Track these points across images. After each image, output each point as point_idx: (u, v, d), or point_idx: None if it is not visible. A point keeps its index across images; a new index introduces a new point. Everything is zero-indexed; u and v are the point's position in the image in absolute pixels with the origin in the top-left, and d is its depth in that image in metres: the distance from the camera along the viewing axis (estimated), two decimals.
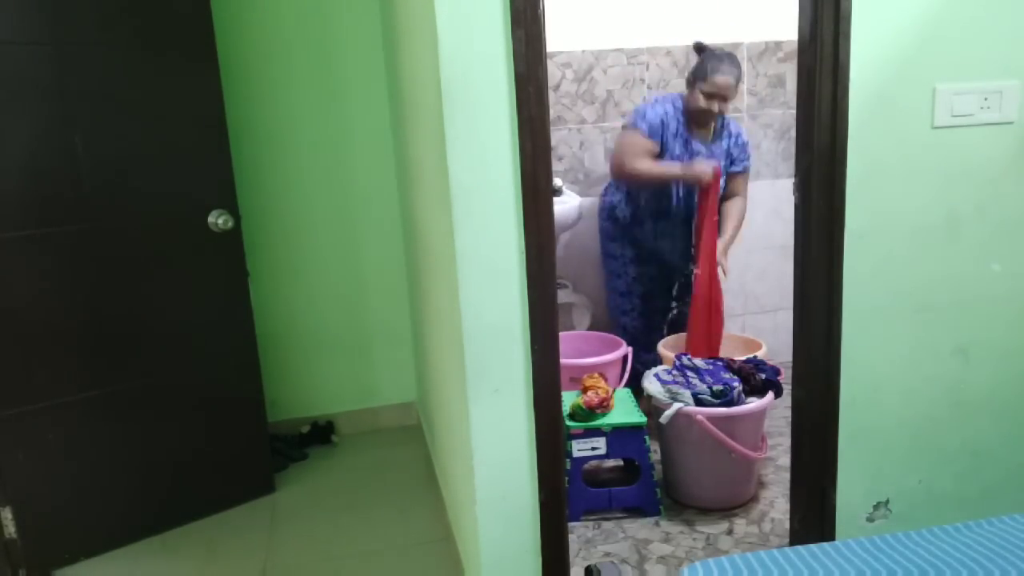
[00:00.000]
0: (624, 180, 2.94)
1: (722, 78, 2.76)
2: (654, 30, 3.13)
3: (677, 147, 2.88)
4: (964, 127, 1.70)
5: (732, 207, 2.99)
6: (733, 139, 2.96)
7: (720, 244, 2.90)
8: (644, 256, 3.04)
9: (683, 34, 3.16)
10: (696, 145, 2.90)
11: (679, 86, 3.20)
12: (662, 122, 2.85)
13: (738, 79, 2.80)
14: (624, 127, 2.94)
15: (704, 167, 2.78)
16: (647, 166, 2.84)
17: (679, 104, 2.89)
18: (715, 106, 2.80)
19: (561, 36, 3.03)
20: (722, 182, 2.86)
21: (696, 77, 2.82)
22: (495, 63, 1.50)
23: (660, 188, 2.93)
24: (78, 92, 2.17)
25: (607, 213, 3.06)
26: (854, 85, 1.63)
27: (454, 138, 1.52)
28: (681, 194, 2.94)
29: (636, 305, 3.09)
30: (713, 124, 2.91)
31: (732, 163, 2.97)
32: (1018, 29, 1.68)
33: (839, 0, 1.58)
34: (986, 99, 1.70)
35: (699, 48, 2.88)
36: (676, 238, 3.02)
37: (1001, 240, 1.78)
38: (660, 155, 2.86)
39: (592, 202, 3.15)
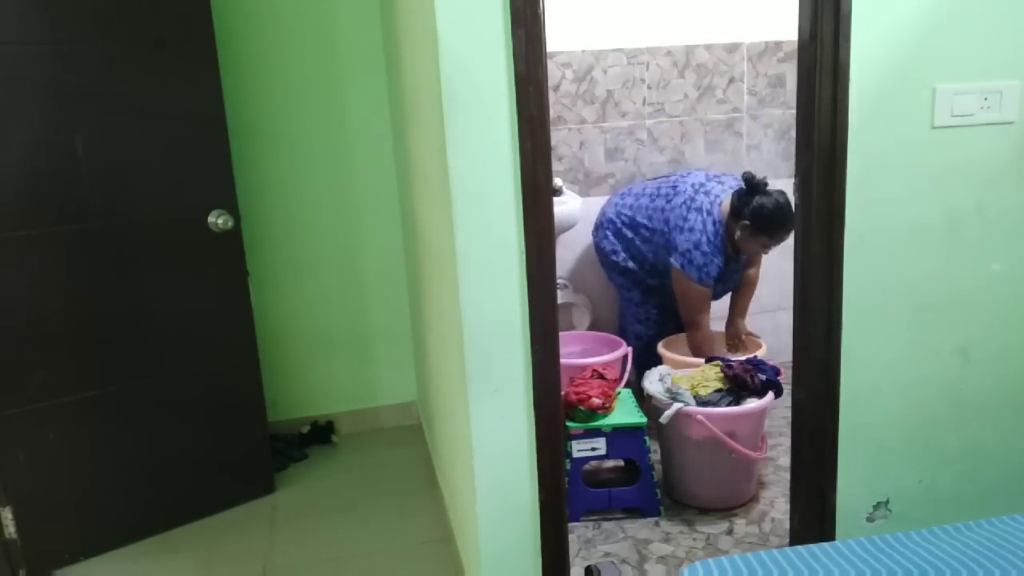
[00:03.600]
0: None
1: (783, 236, 2.65)
2: (654, 30, 3.13)
3: (720, 274, 2.82)
4: (964, 127, 1.70)
5: (745, 279, 2.98)
6: None
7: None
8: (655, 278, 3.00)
9: (683, 34, 3.16)
10: (731, 264, 2.86)
11: (679, 87, 3.20)
12: (719, 272, 2.78)
13: None
14: (680, 273, 2.79)
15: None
16: (704, 323, 2.88)
17: (718, 235, 2.73)
18: (767, 251, 2.78)
19: (561, 36, 3.03)
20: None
21: (758, 226, 2.65)
22: (495, 63, 1.50)
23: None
24: (78, 92, 2.17)
25: (605, 258, 3.03)
26: (854, 85, 1.63)
27: (454, 138, 1.52)
28: None
29: (652, 315, 3.05)
30: None
31: None
32: (1018, 29, 1.68)
33: (839, 0, 1.59)
34: (986, 99, 1.70)
35: (754, 184, 2.68)
36: None
37: (1001, 240, 1.78)
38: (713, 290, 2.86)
39: (593, 202, 3.14)
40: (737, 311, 3.02)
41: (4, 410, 2.17)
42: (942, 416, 1.86)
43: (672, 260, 2.80)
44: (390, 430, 3.17)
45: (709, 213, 2.73)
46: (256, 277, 2.76)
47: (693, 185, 2.82)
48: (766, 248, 2.75)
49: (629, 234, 2.92)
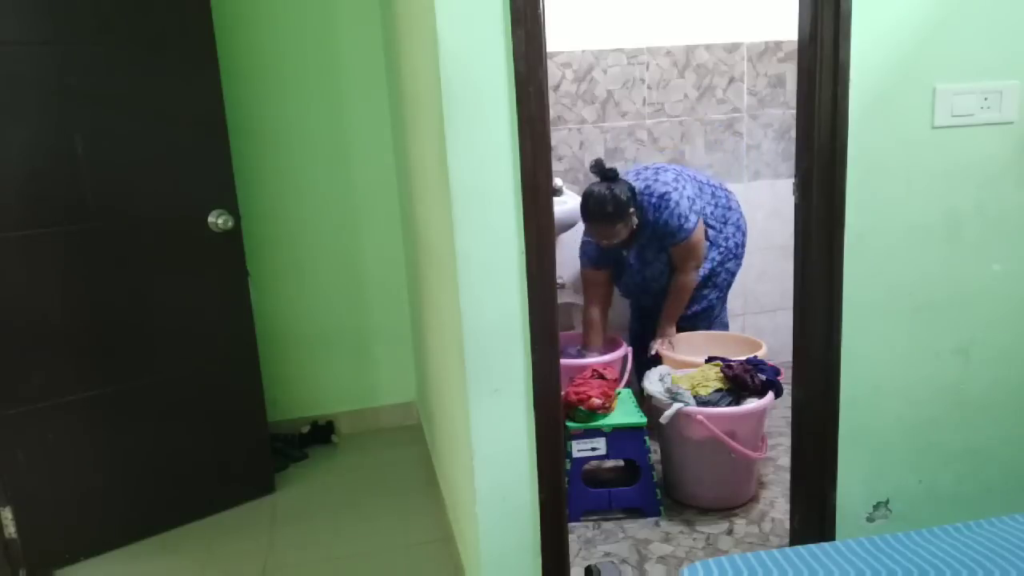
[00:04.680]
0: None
1: (596, 228, 2.71)
2: (654, 30, 3.13)
3: (611, 260, 2.89)
4: (964, 127, 1.70)
5: (672, 285, 2.88)
6: (651, 228, 2.77)
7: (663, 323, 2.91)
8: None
9: (683, 34, 3.16)
10: (622, 254, 2.87)
11: (680, 87, 3.20)
12: (599, 253, 2.87)
13: (620, 219, 2.65)
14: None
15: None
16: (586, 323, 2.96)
17: None
18: (606, 244, 2.75)
19: (561, 36, 3.03)
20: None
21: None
22: (495, 63, 1.50)
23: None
24: (78, 92, 2.17)
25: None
26: (854, 85, 1.63)
27: (454, 138, 1.52)
28: (636, 266, 2.90)
29: (636, 316, 3.07)
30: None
31: (664, 243, 2.81)
32: (1018, 29, 1.68)
33: (839, 0, 1.59)
34: (986, 99, 1.70)
35: (593, 171, 2.75)
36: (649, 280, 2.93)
37: (1001, 240, 1.78)
38: (614, 269, 2.91)
39: None
40: (664, 316, 2.91)
41: (4, 410, 2.17)
42: (942, 416, 1.86)
43: None
44: (390, 430, 3.17)
45: None
46: (256, 277, 2.76)
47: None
48: (598, 237, 2.75)
49: None
